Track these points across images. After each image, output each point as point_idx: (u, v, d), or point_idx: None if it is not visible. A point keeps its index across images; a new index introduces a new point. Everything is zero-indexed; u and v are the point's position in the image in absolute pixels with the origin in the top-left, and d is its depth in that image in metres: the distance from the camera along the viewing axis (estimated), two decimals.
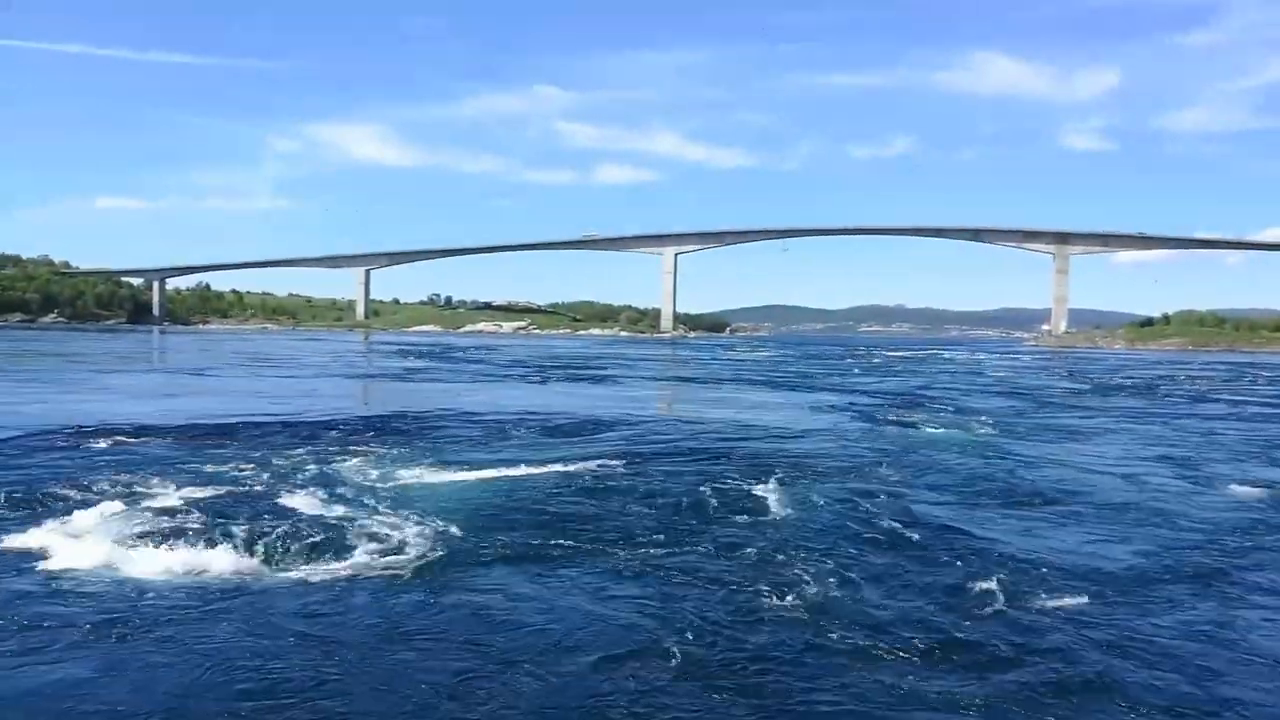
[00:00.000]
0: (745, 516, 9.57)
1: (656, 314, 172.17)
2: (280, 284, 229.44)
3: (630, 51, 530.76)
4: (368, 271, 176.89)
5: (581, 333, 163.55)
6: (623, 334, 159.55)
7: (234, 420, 17.41)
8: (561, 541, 8.33)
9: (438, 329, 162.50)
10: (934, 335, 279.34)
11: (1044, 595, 7.06)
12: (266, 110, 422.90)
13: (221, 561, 7.37)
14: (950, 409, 24.38)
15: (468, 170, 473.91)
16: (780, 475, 11.93)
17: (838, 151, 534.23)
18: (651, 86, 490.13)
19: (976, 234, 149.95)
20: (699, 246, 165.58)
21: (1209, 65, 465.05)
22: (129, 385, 29.75)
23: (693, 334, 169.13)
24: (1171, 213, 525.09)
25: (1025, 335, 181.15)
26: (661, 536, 8.60)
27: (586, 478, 11.66)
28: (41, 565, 7.31)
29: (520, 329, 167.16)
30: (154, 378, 34.27)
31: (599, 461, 13.01)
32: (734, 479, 11.65)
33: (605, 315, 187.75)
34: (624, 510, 9.76)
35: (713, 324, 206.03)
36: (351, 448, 14.03)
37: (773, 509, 9.97)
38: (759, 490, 10.96)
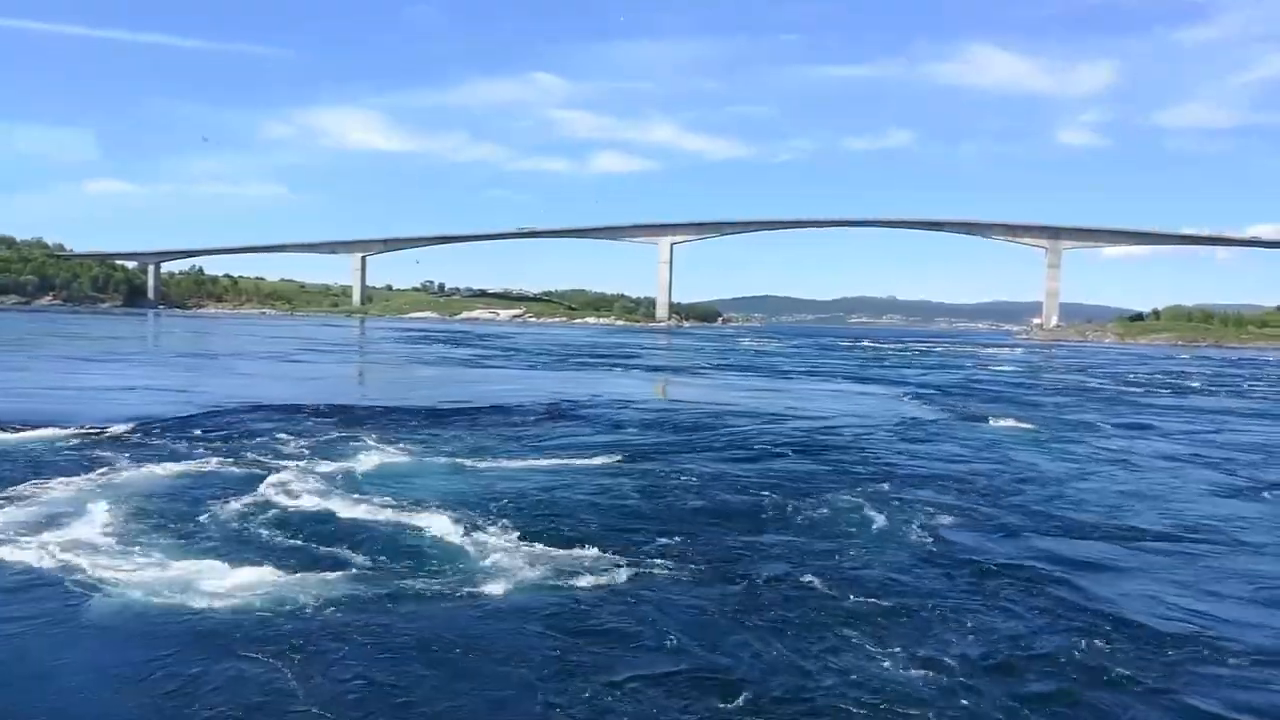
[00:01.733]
0: (859, 546, 9.06)
1: (650, 303, 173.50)
2: (272, 269, 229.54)
3: (628, 41, 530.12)
4: (364, 258, 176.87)
5: (577, 321, 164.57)
6: (619, 322, 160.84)
7: (396, 405, 19.26)
8: (662, 554, 8.45)
9: (435, 315, 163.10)
10: (924, 328, 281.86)
11: (1173, 665, 6.30)
12: (262, 96, 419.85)
13: (330, 579, 7.44)
14: (1010, 404, 26.09)
15: (464, 158, 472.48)
16: (884, 484, 12.15)
17: (834, 144, 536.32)
18: (649, 77, 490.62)
19: (971, 228, 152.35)
20: (695, 237, 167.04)
21: (1203, 62, 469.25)
22: (254, 370, 31.31)
23: (688, 323, 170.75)
24: (1164, 207, 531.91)
25: (1014, 328, 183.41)
26: (755, 552, 8.64)
27: (705, 486, 11.80)
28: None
29: (516, 316, 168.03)
30: (262, 364, 34.68)
31: (712, 462, 13.61)
32: (838, 485, 11.92)
33: (599, 304, 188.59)
34: (722, 519, 9.96)
35: (704, 314, 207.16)
36: (534, 434, 15.82)
37: (878, 528, 9.82)
38: (858, 501, 10.98)
